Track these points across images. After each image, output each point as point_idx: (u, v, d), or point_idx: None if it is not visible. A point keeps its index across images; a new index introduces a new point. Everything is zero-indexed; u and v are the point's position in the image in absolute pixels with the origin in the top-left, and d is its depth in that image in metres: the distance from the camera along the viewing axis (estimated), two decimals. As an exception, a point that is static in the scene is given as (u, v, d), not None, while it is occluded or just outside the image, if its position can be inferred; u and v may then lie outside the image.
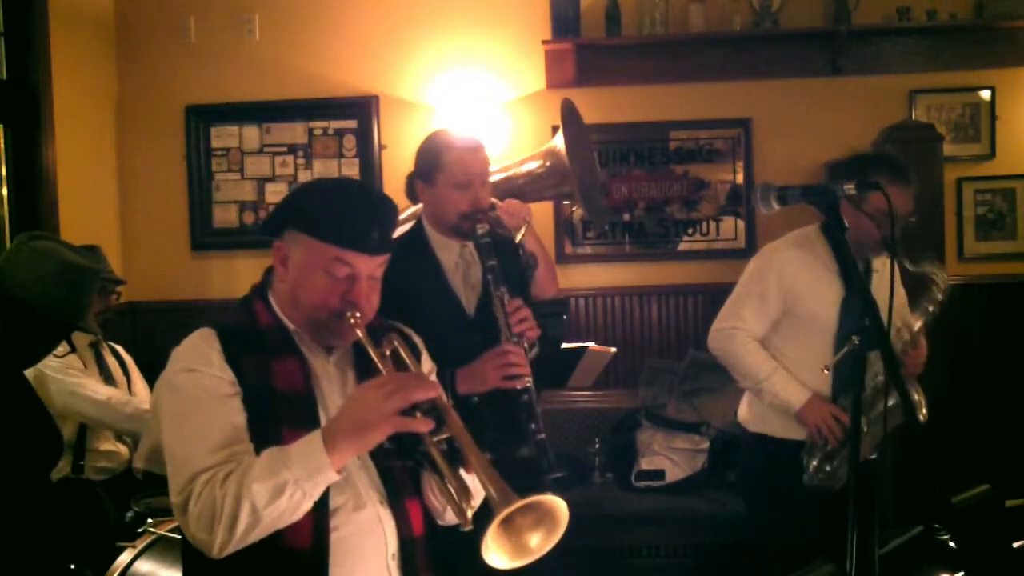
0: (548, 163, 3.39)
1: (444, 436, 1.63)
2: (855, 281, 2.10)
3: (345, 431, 1.61)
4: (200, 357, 1.75)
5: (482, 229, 2.60)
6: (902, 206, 2.89)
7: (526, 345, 2.56)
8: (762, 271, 3.13)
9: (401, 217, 3.65)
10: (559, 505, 1.57)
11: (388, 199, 1.87)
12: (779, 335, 3.11)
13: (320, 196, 1.87)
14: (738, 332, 3.08)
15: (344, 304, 1.77)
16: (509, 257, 2.80)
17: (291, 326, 1.84)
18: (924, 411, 2.92)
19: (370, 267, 1.80)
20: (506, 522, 1.54)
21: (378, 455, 1.79)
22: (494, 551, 1.54)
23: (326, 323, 1.79)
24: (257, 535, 1.62)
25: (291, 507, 1.61)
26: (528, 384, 2.52)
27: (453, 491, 1.63)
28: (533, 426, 2.50)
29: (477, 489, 1.63)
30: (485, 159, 2.72)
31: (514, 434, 2.50)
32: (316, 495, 1.63)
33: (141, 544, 2.93)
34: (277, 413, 1.71)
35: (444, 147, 2.67)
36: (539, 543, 1.59)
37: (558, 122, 3.35)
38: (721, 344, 3.13)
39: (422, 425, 1.60)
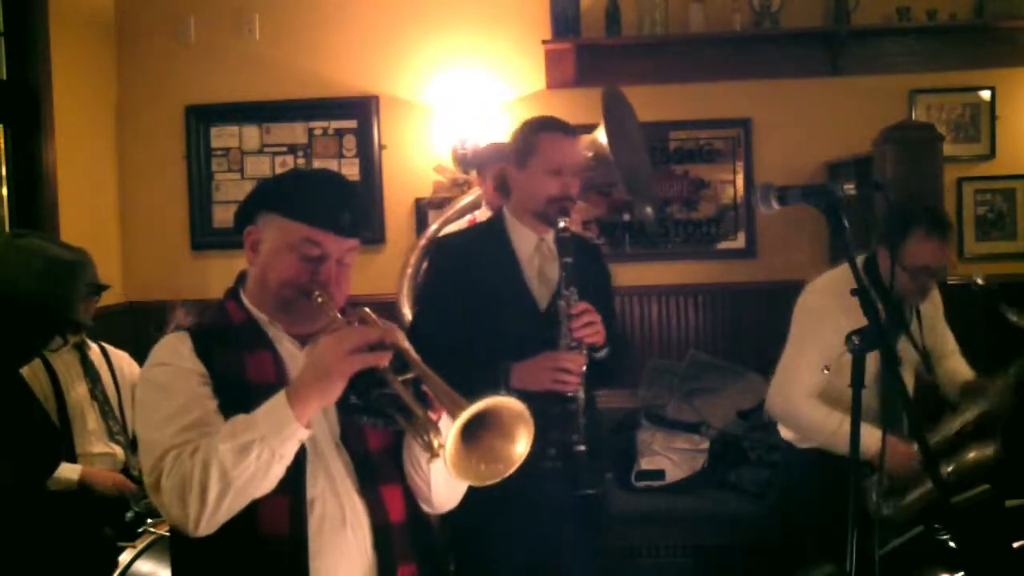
0: (590, 154, 3.22)
1: (409, 377, 1.65)
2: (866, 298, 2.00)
3: (307, 382, 1.64)
4: (171, 353, 1.77)
5: (565, 222, 2.56)
6: (939, 260, 2.88)
7: (585, 351, 2.48)
8: (803, 331, 2.98)
9: (459, 206, 3.62)
10: (515, 406, 1.56)
11: (360, 188, 1.87)
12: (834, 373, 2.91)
13: (292, 179, 1.98)
14: (792, 392, 2.94)
15: (311, 283, 1.78)
16: (593, 262, 2.76)
17: (264, 318, 1.85)
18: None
19: (340, 249, 1.81)
20: (472, 439, 1.54)
21: (346, 408, 1.75)
22: (461, 469, 1.53)
23: (292, 302, 1.80)
24: (231, 505, 1.61)
25: (261, 468, 1.60)
26: (577, 393, 2.46)
27: (420, 424, 1.62)
28: (575, 436, 2.46)
29: (446, 426, 1.61)
30: (580, 151, 2.70)
31: (541, 444, 2.47)
32: (286, 455, 1.63)
33: (141, 544, 2.93)
34: (249, 402, 1.70)
35: (540, 131, 2.65)
36: (521, 449, 1.59)
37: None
38: (780, 410, 3.01)
39: (381, 358, 1.62)
